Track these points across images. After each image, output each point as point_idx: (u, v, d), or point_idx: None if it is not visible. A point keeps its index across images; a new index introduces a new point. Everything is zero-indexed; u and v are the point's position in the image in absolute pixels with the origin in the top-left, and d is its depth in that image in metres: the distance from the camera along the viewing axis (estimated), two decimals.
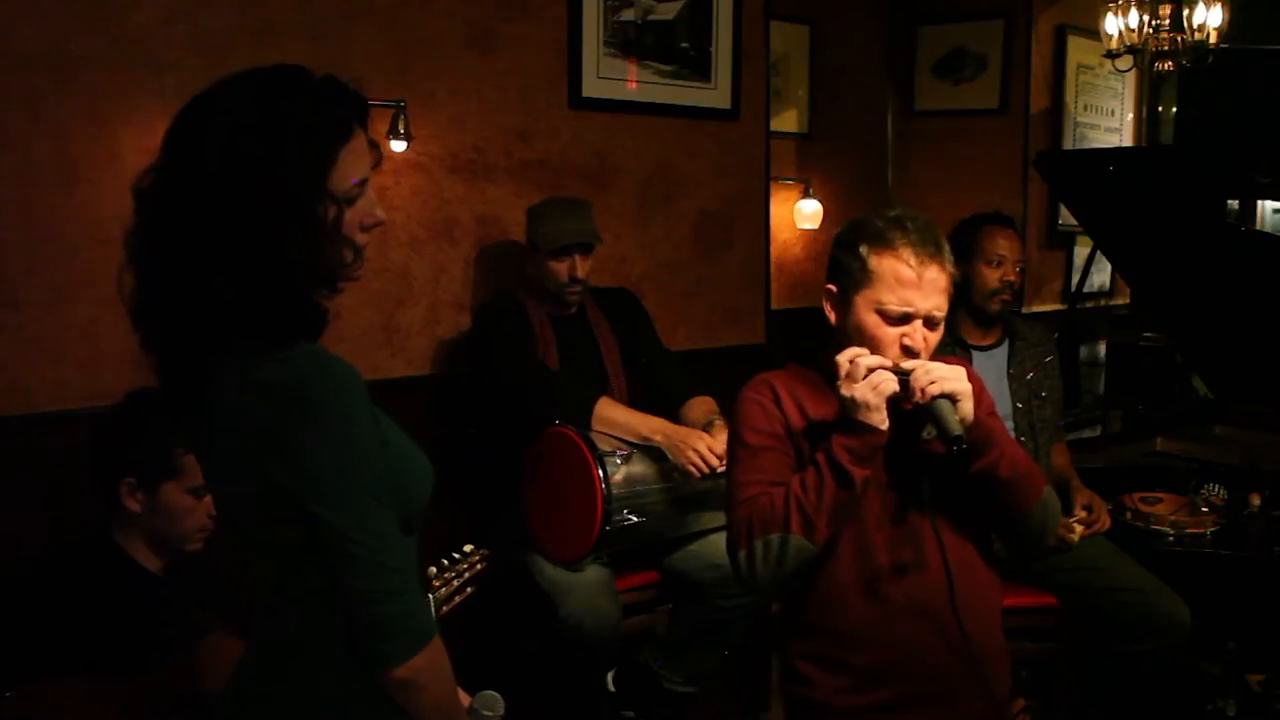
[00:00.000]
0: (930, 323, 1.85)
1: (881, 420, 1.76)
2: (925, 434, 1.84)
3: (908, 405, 1.80)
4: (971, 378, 1.92)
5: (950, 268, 1.87)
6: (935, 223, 1.90)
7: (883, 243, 1.84)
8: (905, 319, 1.83)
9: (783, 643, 2.01)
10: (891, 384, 1.76)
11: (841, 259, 1.90)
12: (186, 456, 1.96)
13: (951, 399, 1.75)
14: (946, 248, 1.88)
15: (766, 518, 1.80)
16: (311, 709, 1.39)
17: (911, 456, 1.88)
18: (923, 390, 1.75)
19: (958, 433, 1.73)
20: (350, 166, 1.33)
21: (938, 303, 1.84)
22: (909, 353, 1.82)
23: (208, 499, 1.98)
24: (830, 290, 1.93)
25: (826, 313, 1.94)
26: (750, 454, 1.90)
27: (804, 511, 1.77)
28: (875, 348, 1.83)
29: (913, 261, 1.82)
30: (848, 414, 1.78)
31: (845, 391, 1.77)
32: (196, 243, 1.27)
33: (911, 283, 1.82)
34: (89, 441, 2.05)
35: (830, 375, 1.85)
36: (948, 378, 1.76)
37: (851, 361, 1.78)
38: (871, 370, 1.76)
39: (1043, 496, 1.91)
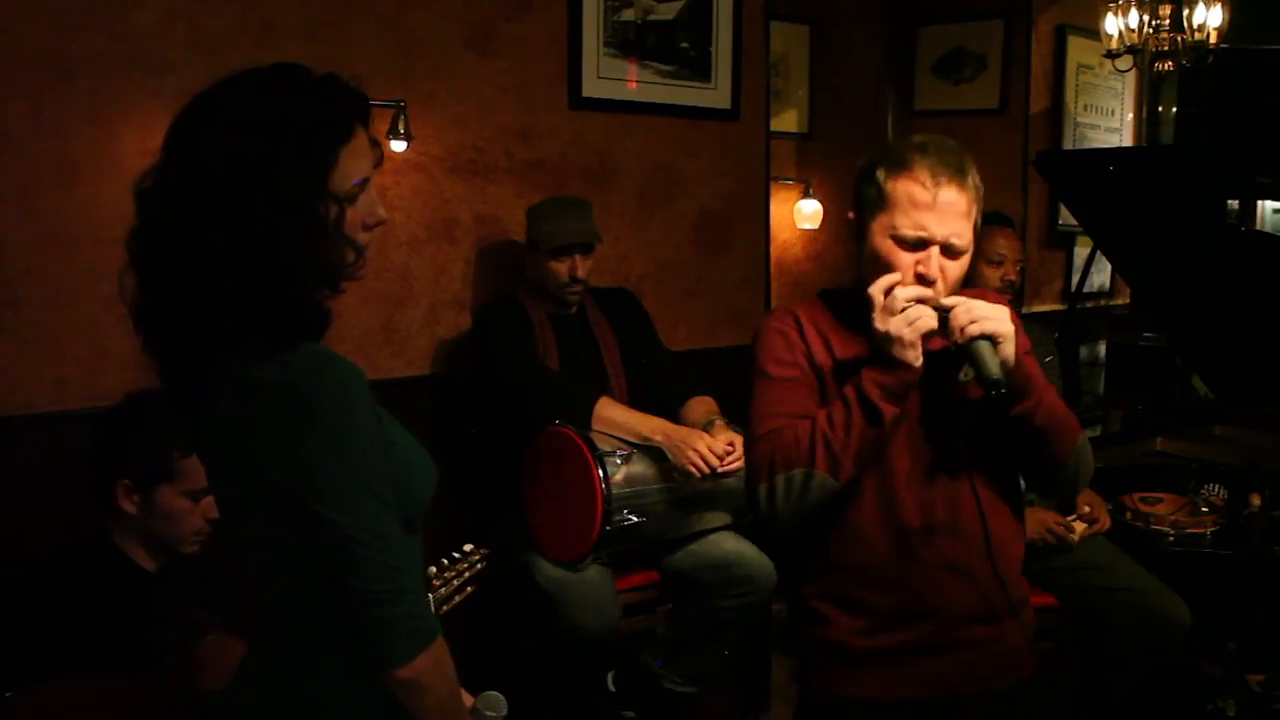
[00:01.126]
0: (949, 250, 1.73)
1: (916, 357, 1.66)
2: (962, 376, 1.73)
3: (942, 342, 1.72)
4: (1011, 318, 1.84)
5: (975, 191, 1.75)
6: (962, 149, 1.78)
7: (899, 165, 1.74)
8: (921, 244, 1.72)
9: (799, 584, 1.91)
10: (930, 320, 1.66)
11: (860, 185, 1.80)
12: (184, 460, 1.96)
13: (993, 340, 1.65)
14: (971, 170, 1.75)
15: (790, 453, 1.72)
16: (314, 709, 1.39)
17: (944, 401, 1.79)
18: (962, 329, 1.65)
19: (997, 376, 1.62)
20: (351, 166, 1.32)
21: (956, 229, 1.72)
22: (923, 281, 1.71)
23: (205, 502, 1.98)
24: (850, 219, 1.84)
25: (849, 243, 1.86)
26: (771, 384, 1.81)
27: (830, 448, 1.69)
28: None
29: (928, 182, 1.71)
30: (880, 349, 1.68)
31: (880, 325, 1.67)
32: (198, 244, 1.27)
33: (926, 204, 1.71)
34: (87, 441, 2.05)
35: (856, 306, 1.76)
36: (990, 317, 1.65)
37: (887, 293, 1.67)
38: (910, 303, 1.66)
39: (1078, 444, 1.82)
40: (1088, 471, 1.88)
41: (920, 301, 1.68)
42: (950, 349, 1.70)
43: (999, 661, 1.84)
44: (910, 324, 1.65)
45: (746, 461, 1.83)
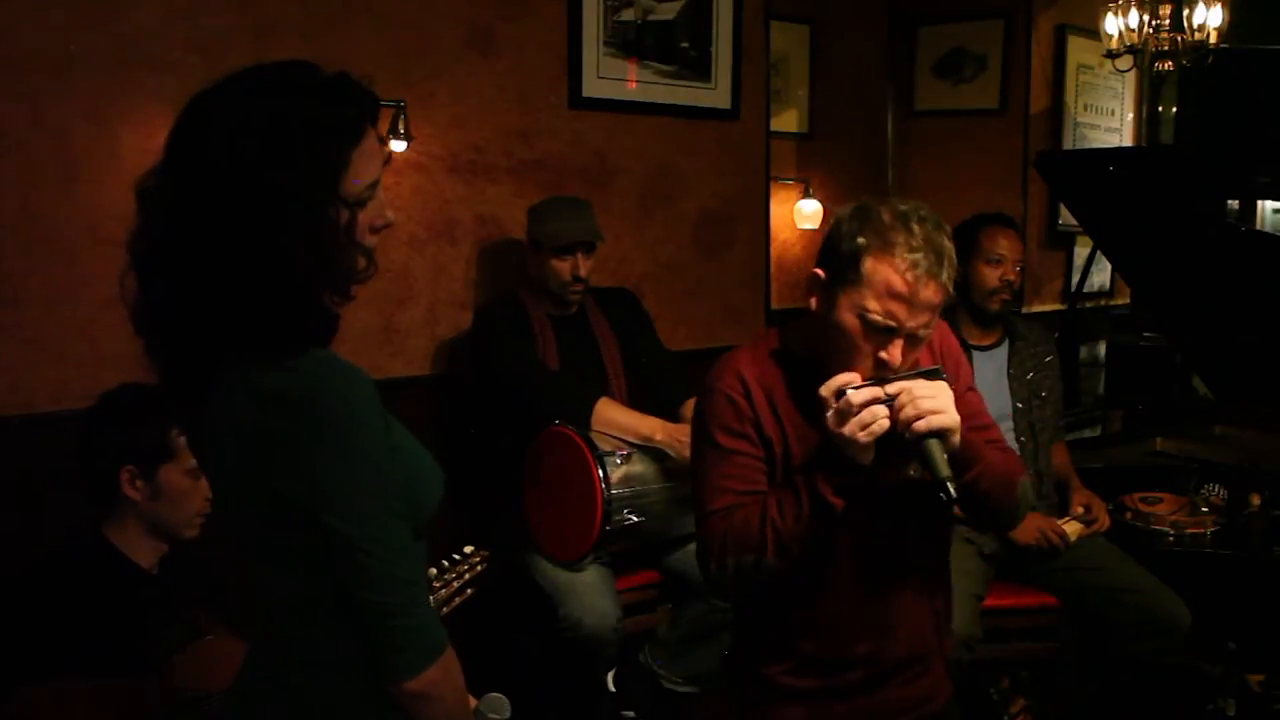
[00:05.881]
0: (913, 339, 1.71)
1: (869, 458, 1.66)
2: (913, 472, 1.75)
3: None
4: (949, 351, 1.89)
5: (948, 284, 1.70)
6: (944, 228, 1.72)
7: (882, 244, 1.67)
8: (888, 332, 1.69)
9: (737, 617, 2.01)
10: (884, 423, 1.63)
11: (836, 245, 1.74)
12: (181, 437, 1.96)
13: (940, 435, 1.63)
14: (949, 259, 1.70)
15: (741, 538, 1.75)
16: (314, 713, 1.38)
17: (889, 486, 1.79)
18: (909, 425, 1.63)
19: (946, 475, 1.61)
20: (363, 168, 1.29)
21: (925, 320, 1.70)
22: (884, 367, 1.70)
23: (204, 481, 1.97)
24: (817, 275, 1.77)
25: (808, 296, 1.80)
26: (721, 455, 1.81)
27: (780, 538, 1.71)
28: (849, 352, 1.72)
29: (909, 276, 1.66)
30: (835, 448, 1.67)
31: (834, 428, 1.65)
32: (202, 246, 1.24)
33: (901, 296, 1.67)
34: (79, 439, 2.03)
35: (807, 373, 1.77)
36: (936, 411, 1.62)
37: (839, 395, 1.65)
38: (862, 405, 1.63)
39: (1017, 493, 1.85)
40: (1027, 509, 1.94)
41: (873, 400, 1.66)
42: (897, 433, 1.68)
43: (926, 690, 1.94)
44: (864, 428, 1.63)
45: (698, 534, 1.86)
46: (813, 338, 1.81)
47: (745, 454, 1.82)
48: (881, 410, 1.64)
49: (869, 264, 1.68)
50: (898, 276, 1.66)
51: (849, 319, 1.71)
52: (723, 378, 1.84)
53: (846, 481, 1.69)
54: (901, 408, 1.63)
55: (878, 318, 1.68)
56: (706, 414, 1.85)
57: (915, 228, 1.68)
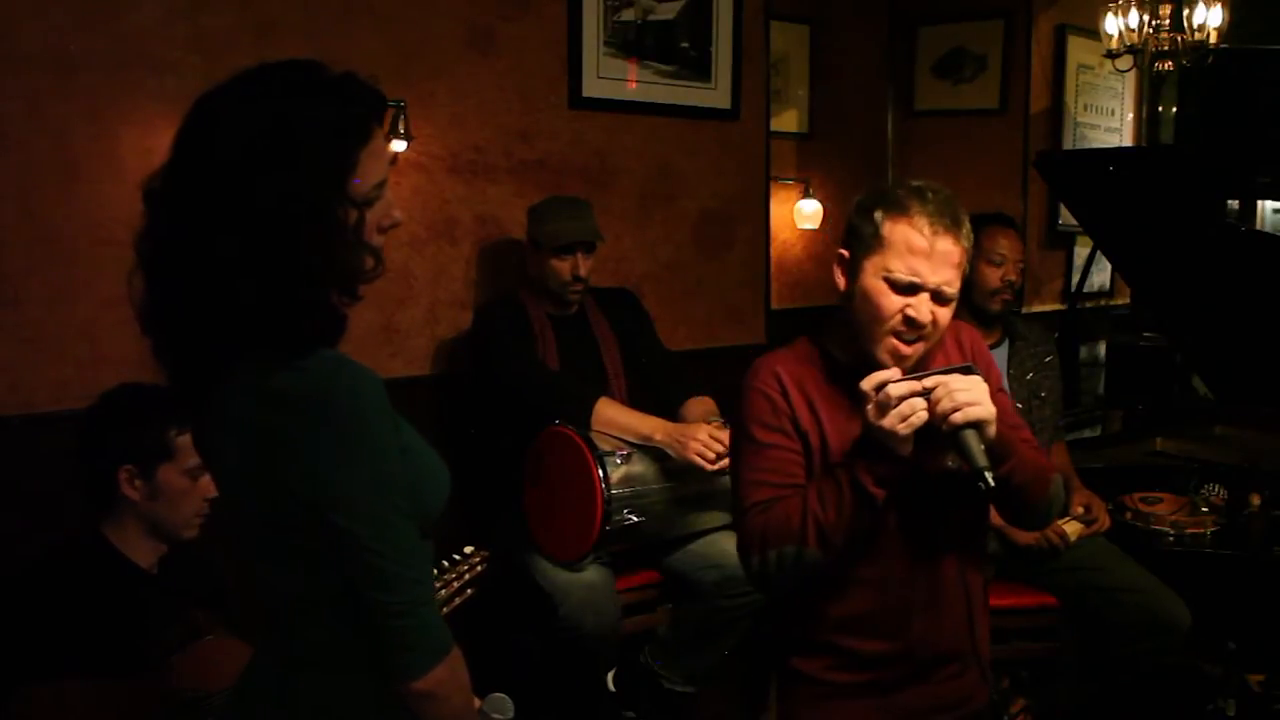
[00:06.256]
0: (940, 298, 1.77)
1: (908, 449, 1.70)
2: (950, 463, 1.78)
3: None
4: (979, 353, 1.92)
5: (966, 244, 1.79)
6: (957, 198, 1.82)
7: (898, 209, 1.77)
8: (912, 289, 1.76)
9: (781, 618, 1.99)
10: (923, 415, 1.67)
11: (856, 223, 1.84)
12: (180, 437, 1.96)
13: (977, 427, 1.67)
14: (966, 223, 1.80)
15: (781, 529, 1.77)
16: (318, 714, 1.38)
17: (928, 477, 1.82)
18: (946, 418, 1.67)
19: (984, 465, 1.65)
20: (369, 169, 1.29)
21: (948, 277, 1.77)
22: (911, 324, 1.76)
23: (203, 481, 1.98)
24: (842, 255, 1.86)
25: (836, 278, 1.87)
26: (758, 450, 1.85)
27: (821, 528, 1.74)
28: (878, 315, 1.78)
29: (926, 230, 1.75)
30: (874, 440, 1.71)
31: (874, 420, 1.69)
32: (210, 246, 1.23)
33: (922, 252, 1.75)
34: (79, 439, 2.03)
35: (843, 369, 1.83)
36: (972, 403, 1.66)
37: (879, 389, 1.69)
38: (901, 398, 1.67)
39: (1050, 493, 1.88)
40: (1059, 507, 1.96)
41: (911, 393, 1.69)
42: (934, 426, 1.71)
43: (965, 690, 1.96)
44: (904, 420, 1.67)
45: (738, 531, 1.88)
46: (843, 335, 1.86)
47: (782, 448, 1.85)
48: (920, 403, 1.68)
49: (888, 227, 1.78)
50: (915, 232, 1.76)
51: (875, 282, 1.79)
52: (758, 376, 1.90)
53: (886, 474, 1.72)
54: (938, 400, 1.68)
55: (901, 275, 1.76)
56: (743, 412, 1.90)
57: (930, 195, 1.78)
